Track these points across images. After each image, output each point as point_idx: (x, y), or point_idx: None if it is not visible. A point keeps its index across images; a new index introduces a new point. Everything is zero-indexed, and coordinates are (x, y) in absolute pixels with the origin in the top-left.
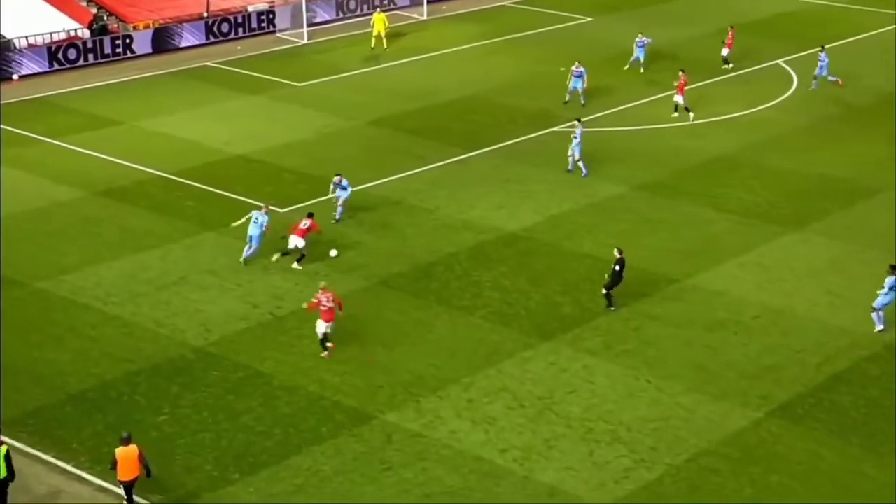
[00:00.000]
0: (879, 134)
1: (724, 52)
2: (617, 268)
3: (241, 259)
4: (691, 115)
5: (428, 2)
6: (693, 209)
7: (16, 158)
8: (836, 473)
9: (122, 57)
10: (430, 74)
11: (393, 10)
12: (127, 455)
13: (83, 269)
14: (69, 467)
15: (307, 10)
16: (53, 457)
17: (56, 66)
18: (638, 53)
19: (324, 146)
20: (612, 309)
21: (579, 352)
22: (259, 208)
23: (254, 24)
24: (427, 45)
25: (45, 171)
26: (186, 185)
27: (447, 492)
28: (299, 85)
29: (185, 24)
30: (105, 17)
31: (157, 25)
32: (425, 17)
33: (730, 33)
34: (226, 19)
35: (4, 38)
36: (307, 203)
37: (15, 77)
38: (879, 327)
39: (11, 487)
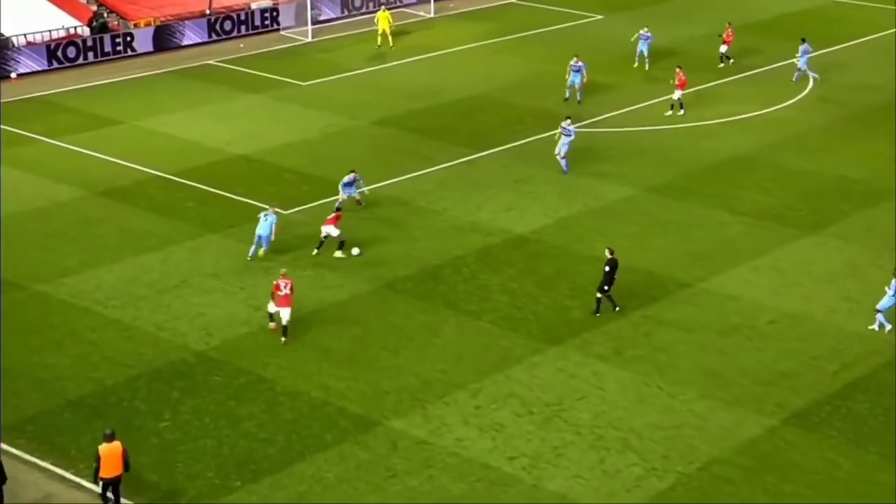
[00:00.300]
0: None
1: (723, 48)
2: (606, 268)
3: (249, 257)
4: (682, 112)
5: (434, 0)
6: (706, 211)
7: (14, 158)
8: (852, 483)
9: (122, 55)
10: (436, 73)
11: (399, 7)
12: (111, 452)
13: (83, 272)
14: (68, 474)
15: (312, 8)
16: (52, 464)
17: (55, 65)
18: (641, 47)
19: (327, 146)
20: (617, 309)
21: (589, 357)
22: (264, 210)
23: (257, 22)
24: (433, 44)
25: (44, 171)
26: (187, 185)
27: (454, 500)
28: (303, 84)
29: (186, 21)
30: (105, 15)
31: (158, 23)
32: (432, 15)
33: (728, 30)
34: (228, 17)
35: (3, 35)
36: (310, 205)
37: (13, 76)
38: (888, 327)
39: (8, 493)
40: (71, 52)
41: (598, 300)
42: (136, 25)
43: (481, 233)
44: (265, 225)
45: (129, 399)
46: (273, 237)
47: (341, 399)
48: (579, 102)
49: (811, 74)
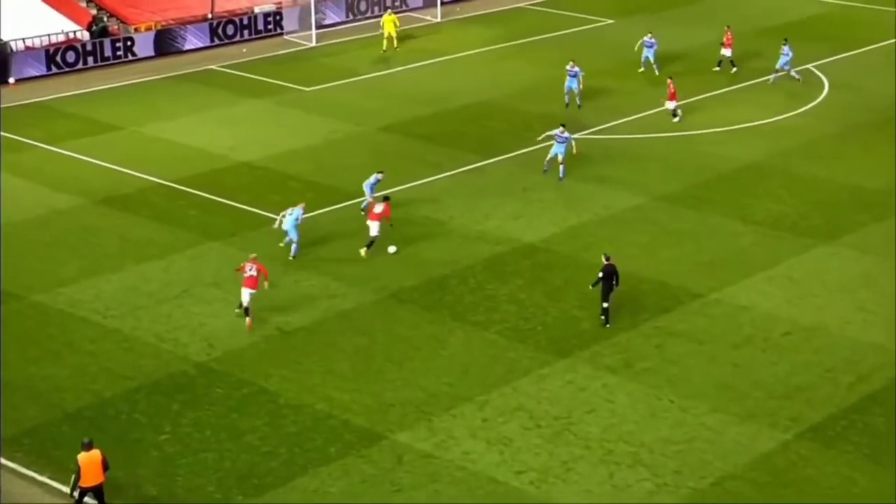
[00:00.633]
0: None
1: (726, 52)
2: (600, 274)
3: (291, 258)
4: (676, 119)
5: (442, 3)
6: (718, 220)
7: (13, 165)
8: (869, 499)
9: (122, 60)
10: (443, 78)
11: (405, 11)
12: (91, 460)
13: (82, 281)
14: (66, 489)
15: (316, 12)
16: (49, 477)
17: (54, 70)
18: (647, 53)
19: (332, 153)
20: (603, 320)
21: (598, 369)
22: (290, 208)
23: (260, 26)
24: (441, 48)
25: (43, 179)
26: (189, 193)
27: None
28: (307, 89)
29: (188, 25)
30: (105, 19)
31: (159, 27)
32: (439, 20)
33: (727, 33)
34: (231, 21)
35: (1, 40)
36: (315, 213)
37: (11, 80)
38: None
39: None
40: (70, 56)
41: (605, 310)
42: (136, 30)
43: (489, 241)
44: (290, 219)
45: (128, 411)
46: (298, 236)
47: (345, 412)
48: (579, 107)
49: (793, 74)
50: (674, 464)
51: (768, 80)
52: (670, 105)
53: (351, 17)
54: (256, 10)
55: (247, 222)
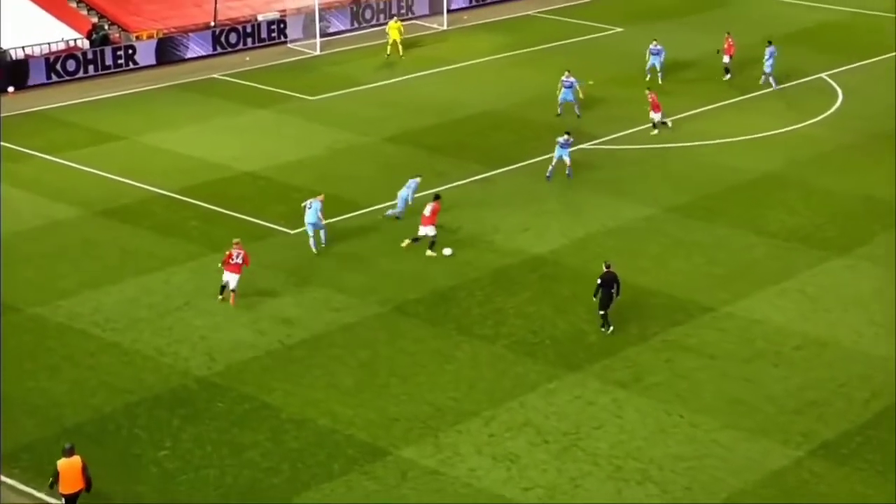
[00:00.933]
0: None
1: (725, 59)
2: (599, 282)
3: (314, 250)
4: (668, 123)
5: (448, 11)
6: (730, 232)
7: (11, 175)
8: None
9: (124, 68)
10: (450, 88)
11: (411, 19)
12: (70, 466)
13: (81, 294)
14: None
15: (320, 20)
16: (47, 494)
17: (55, 79)
18: (653, 61)
19: (336, 163)
20: (604, 331)
21: (607, 384)
22: (308, 200)
23: (263, 35)
24: (447, 57)
25: (43, 189)
26: (191, 203)
27: None
28: (311, 98)
29: (190, 34)
30: (106, 27)
31: (161, 35)
32: (445, 28)
33: (727, 41)
34: (234, 29)
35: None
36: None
37: (10, 89)
38: None
39: None
40: (71, 65)
41: (603, 316)
42: (138, 38)
43: (496, 253)
44: (311, 213)
45: (128, 426)
46: (323, 221)
47: (349, 427)
48: (578, 117)
49: (771, 79)
50: (684, 481)
51: (772, 88)
52: (656, 116)
53: (356, 25)
54: (260, 18)
55: (249, 233)
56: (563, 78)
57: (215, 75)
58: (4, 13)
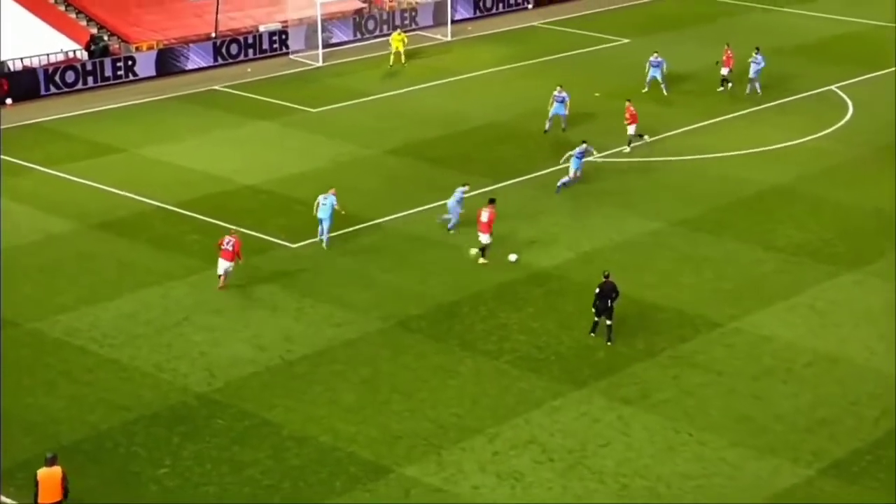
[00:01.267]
0: None
1: (724, 71)
2: (597, 291)
3: (320, 240)
4: (646, 137)
5: (452, 22)
6: (739, 246)
7: (9, 188)
8: None
9: (123, 80)
10: (454, 99)
11: (415, 30)
12: (50, 476)
13: (79, 309)
14: None
15: (323, 31)
16: None
17: (53, 90)
18: (653, 72)
19: (339, 176)
20: (593, 335)
21: (613, 401)
22: (327, 191)
23: (265, 46)
24: (451, 68)
25: (40, 202)
26: (191, 217)
27: None
28: (313, 110)
29: (191, 45)
30: (106, 38)
31: (161, 46)
32: (449, 39)
33: (726, 52)
34: (235, 40)
35: None
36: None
37: (8, 101)
38: None
39: None
40: (70, 76)
41: (595, 324)
42: (137, 49)
43: (500, 268)
44: (325, 208)
45: (126, 444)
46: (341, 211)
47: (351, 444)
48: (564, 130)
49: (756, 87)
50: (692, 499)
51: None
52: (631, 129)
53: (358, 36)
54: (261, 29)
55: (250, 247)
56: (556, 93)
57: (216, 87)
58: (3, 24)
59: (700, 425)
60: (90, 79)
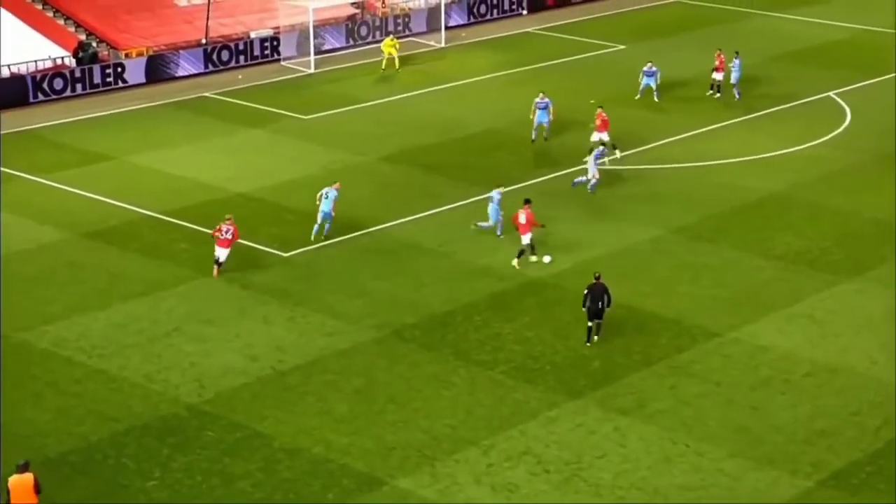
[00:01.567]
0: None
1: (717, 76)
2: (585, 291)
3: (319, 233)
4: (617, 152)
5: (446, 28)
6: (736, 254)
7: None
8: None
9: (112, 87)
10: (448, 106)
11: (408, 36)
12: (21, 483)
13: (67, 319)
14: None
15: (315, 37)
16: None
17: (41, 98)
18: (647, 81)
19: (331, 183)
20: (588, 343)
21: (610, 412)
22: (326, 188)
23: (256, 52)
24: (445, 75)
25: (28, 211)
26: (181, 226)
27: None
28: (305, 117)
29: (181, 51)
30: (95, 45)
31: (150, 53)
32: (443, 45)
33: (719, 57)
34: (226, 46)
35: None
36: (313, 246)
37: None
38: None
39: None
40: (58, 83)
41: (589, 329)
42: (127, 55)
43: (495, 277)
44: (327, 202)
45: (115, 456)
46: (333, 213)
47: (344, 456)
48: (546, 139)
49: (736, 92)
50: None
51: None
52: (597, 137)
53: (351, 42)
54: (252, 35)
55: (241, 256)
56: (537, 100)
57: (207, 94)
58: None
59: (698, 436)
60: (79, 86)
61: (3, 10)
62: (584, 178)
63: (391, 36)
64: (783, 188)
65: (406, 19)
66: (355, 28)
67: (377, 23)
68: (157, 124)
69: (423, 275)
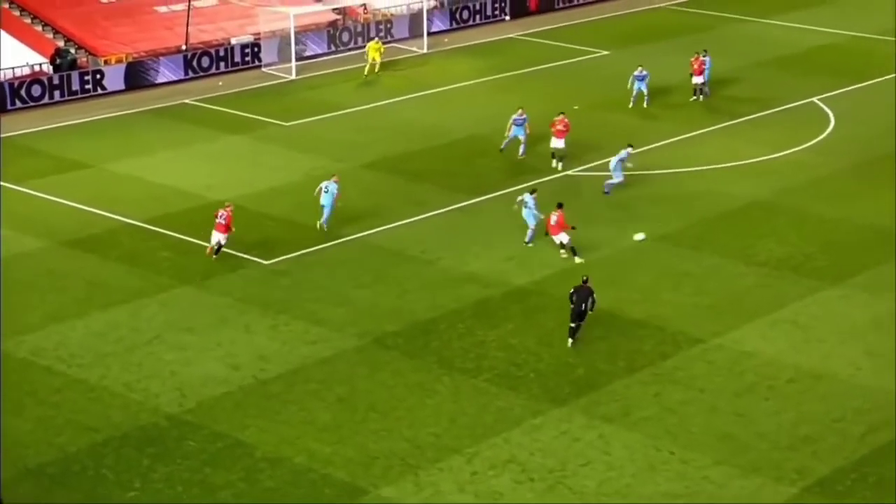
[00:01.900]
0: None
1: (698, 80)
2: (571, 290)
3: (317, 224)
4: (560, 164)
5: (428, 34)
6: (720, 261)
7: None
8: None
9: (91, 94)
10: (431, 112)
11: (390, 42)
12: None
13: (46, 328)
14: None
15: (296, 43)
16: None
17: (19, 104)
18: (639, 85)
19: (313, 191)
20: (569, 341)
21: (594, 419)
22: (329, 178)
23: (237, 58)
24: (428, 81)
25: (6, 220)
26: (161, 234)
27: None
28: (287, 124)
29: (161, 57)
30: (73, 51)
31: (130, 59)
32: (426, 51)
33: (697, 59)
34: (206, 53)
35: None
36: (294, 254)
37: None
38: None
39: None
40: (36, 90)
41: (572, 329)
42: (106, 62)
43: (478, 284)
44: (327, 196)
45: (94, 467)
46: (338, 203)
47: (326, 465)
48: (521, 156)
49: (706, 90)
50: None
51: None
52: (555, 144)
53: (332, 48)
54: (233, 41)
55: (222, 264)
56: (515, 116)
57: (187, 100)
58: None
59: (682, 443)
60: (57, 93)
61: None
62: (613, 181)
63: (376, 39)
64: (767, 194)
65: (388, 25)
66: (337, 34)
67: (359, 29)
68: (136, 131)
69: (406, 282)
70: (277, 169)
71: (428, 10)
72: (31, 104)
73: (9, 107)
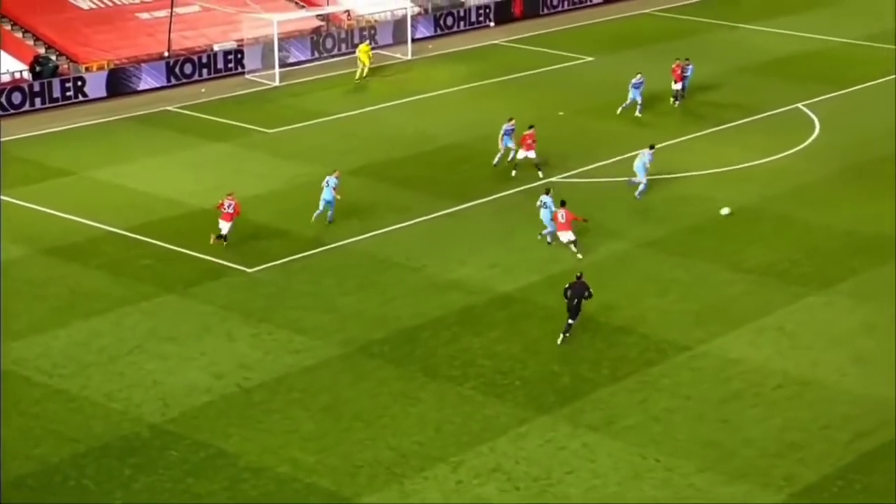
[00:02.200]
0: None
1: (677, 86)
2: (566, 285)
3: (313, 219)
4: (540, 173)
5: (413, 40)
6: (706, 267)
7: None
8: None
9: (73, 101)
10: (415, 119)
11: (374, 49)
12: None
13: (27, 337)
14: None
15: (280, 50)
16: None
17: None
18: (634, 93)
19: (297, 198)
20: (560, 338)
21: (579, 427)
22: (331, 173)
23: (220, 65)
24: (412, 87)
25: None
26: (144, 242)
27: None
28: (270, 131)
29: (143, 64)
30: (54, 58)
31: (112, 66)
32: (410, 57)
33: (677, 66)
34: (189, 59)
35: None
36: (279, 261)
37: None
38: None
39: None
40: (16, 97)
41: (568, 325)
42: (87, 69)
43: (463, 291)
44: (328, 190)
45: (75, 477)
46: (338, 196)
47: (310, 474)
48: (495, 165)
49: (680, 95)
50: None
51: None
52: (523, 154)
53: (316, 55)
54: (216, 47)
55: (205, 272)
56: (506, 126)
57: (169, 107)
58: None
59: (667, 451)
60: (38, 100)
61: None
62: (641, 187)
63: (367, 42)
64: (753, 200)
65: (372, 31)
66: (320, 41)
67: (343, 35)
68: (118, 139)
69: (391, 289)
70: (261, 176)
71: (412, 17)
72: (12, 111)
73: None
